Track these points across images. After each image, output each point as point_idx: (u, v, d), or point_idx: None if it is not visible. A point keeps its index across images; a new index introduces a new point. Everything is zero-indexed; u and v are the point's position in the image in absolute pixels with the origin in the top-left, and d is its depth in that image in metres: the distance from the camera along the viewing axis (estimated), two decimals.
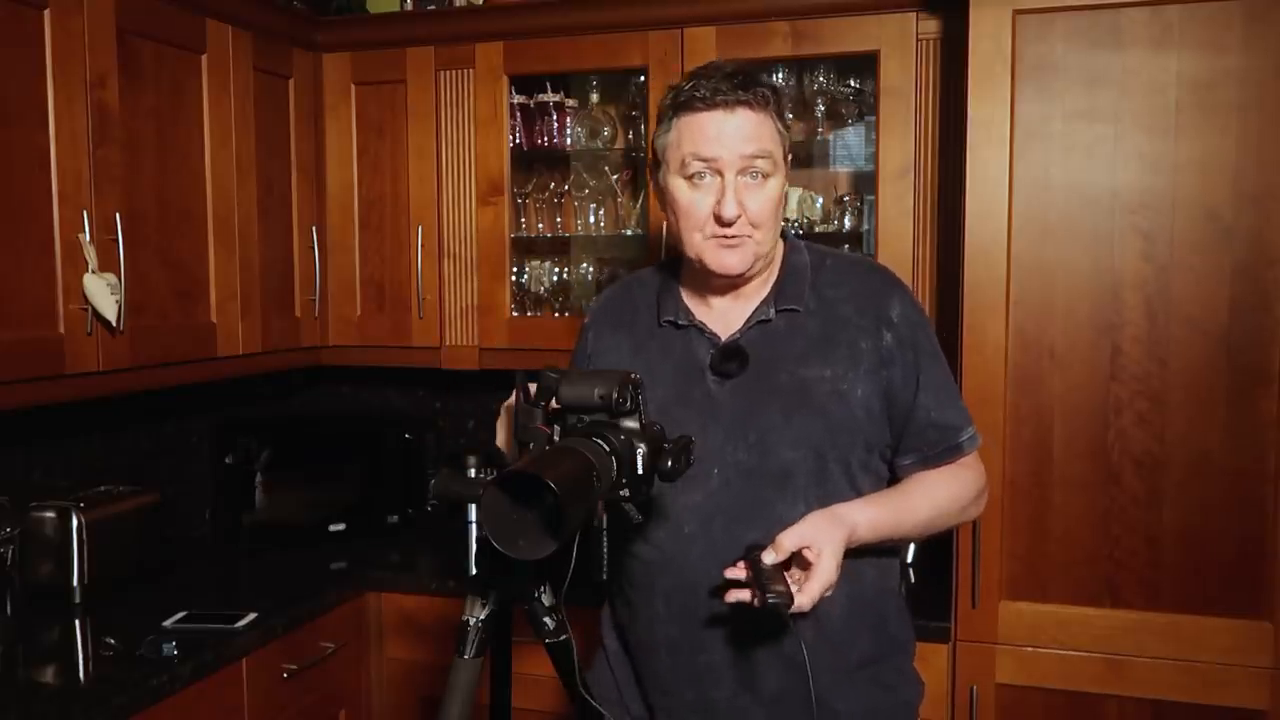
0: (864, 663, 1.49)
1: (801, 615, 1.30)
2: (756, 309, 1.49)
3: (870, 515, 1.40)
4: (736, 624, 1.43)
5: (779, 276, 1.51)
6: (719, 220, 1.40)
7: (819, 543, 1.30)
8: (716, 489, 1.44)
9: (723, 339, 1.49)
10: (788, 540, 1.30)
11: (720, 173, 1.40)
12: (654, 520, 1.46)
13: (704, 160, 1.40)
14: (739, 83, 1.39)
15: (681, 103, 1.41)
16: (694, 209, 1.42)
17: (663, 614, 1.48)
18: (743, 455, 1.44)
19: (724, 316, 1.51)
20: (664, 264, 1.65)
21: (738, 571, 1.32)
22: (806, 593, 1.27)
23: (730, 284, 1.49)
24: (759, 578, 1.28)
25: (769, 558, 1.30)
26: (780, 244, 1.54)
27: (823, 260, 1.54)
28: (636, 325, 1.57)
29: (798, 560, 1.32)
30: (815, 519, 1.34)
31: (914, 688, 1.58)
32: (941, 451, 1.50)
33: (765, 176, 1.41)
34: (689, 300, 1.54)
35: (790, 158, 1.48)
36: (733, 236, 1.41)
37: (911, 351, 1.48)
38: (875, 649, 1.51)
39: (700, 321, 1.51)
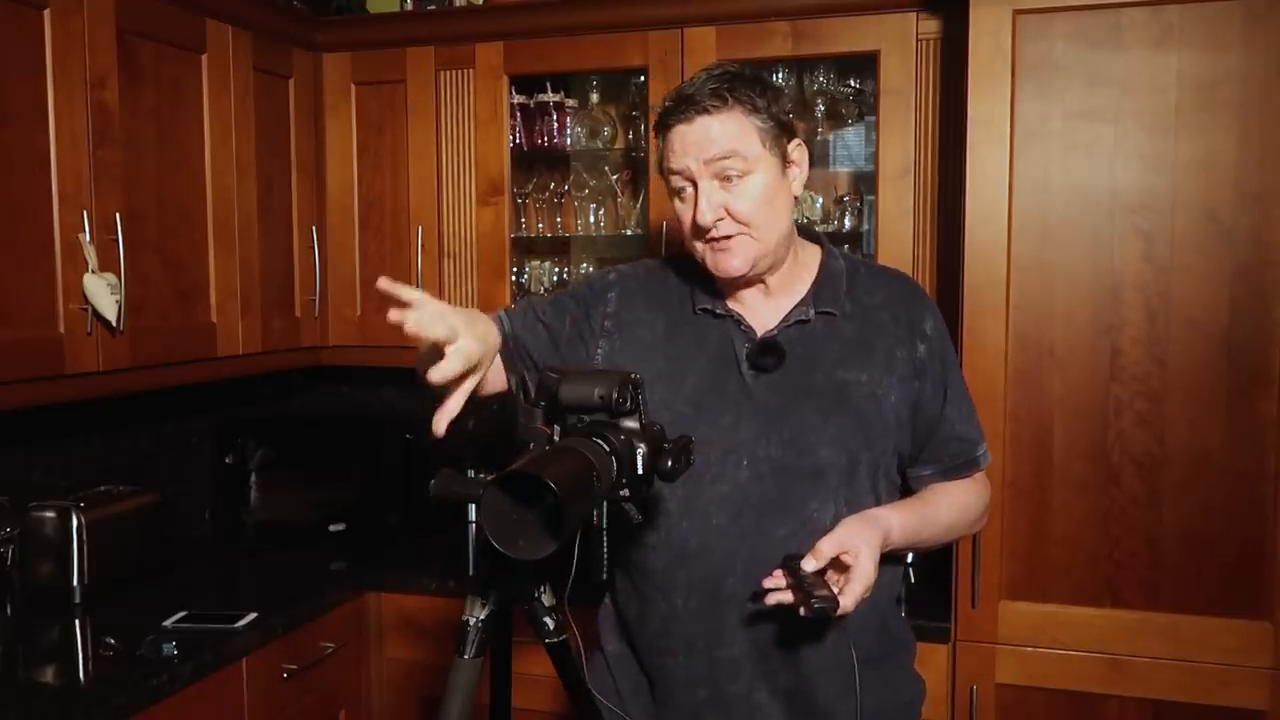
0: (868, 662, 1.48)
1: (842, 617, 1.31)
2: (794, 309, 1.50)
3: (900, 520, 1.42)
4: (757, 618, 1.43)
5: (817, 279, 1.52)
6: (698, 228, 1.43)
7: (856, 545, 1.32)
8: (746, 482, 1.44)
9: (759, 334, 1.50)
10: (827, 546, 1.32)
11: (694, 182, 1.42)
12: (679, 512, 1.46)
13: (677, 173, 1.44)
14: (699, 90, 1.41)
15: (658, 124, 1.46)
16: (683, 221, 1.46)
17: (681, 608, 1.47)
18: (775, 450, 1.44)
19: (758, 312, 1.52)
20: (684, 258, 1.60)
21: (777, 580, 1.33)
22: (849, 594, 1.29)
23: (746, 282, 1.49)
24: (800, 584, 1.29)
25: (809, 565, 1.31)
26: (817, 249, 1.56)
27: (858, 268, 1.56)
28: (670, 307, 1.57)
29: (834, 564, 1.33)
30: (850, 523, 1.36)
31: (916, 687, 1.60)
32: (960, 464, 1.53)
33: (741, 175, 1.41)
34: (723, 291, 1.55)
35: (792, 142, 1.46)
36: (721, 239, 1.43)
37: (940, 364, 1.51)
38: (879, 648, 1.52)
39: (738, 313, 1.52)
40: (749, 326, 1.50)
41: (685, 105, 1.41)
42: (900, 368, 1.48)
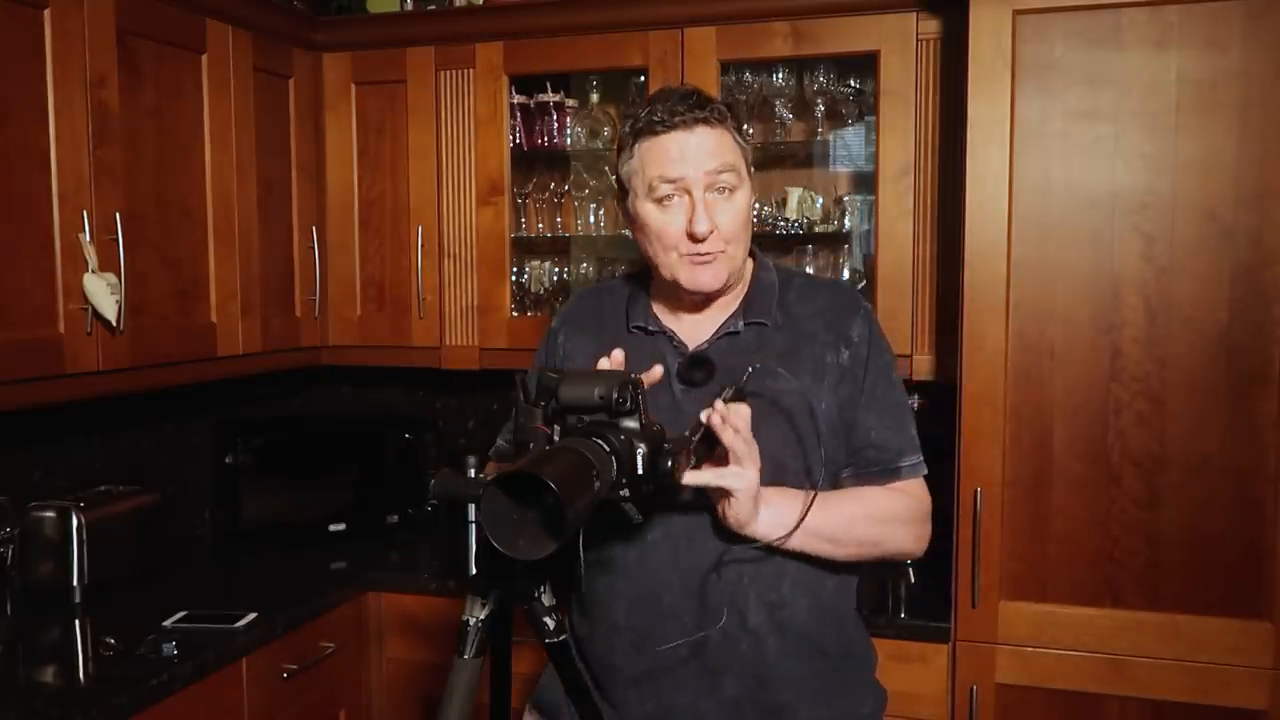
0: (827, 671, 1.50)
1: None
2: (725, 321, 1.51)
3: (790, 493, 1.42)
4: (698, 628, 1.44)
5: (748, 292, 1.54)
6: (692, 238, 1.42)
7: (743, 430, 1.33)
8: (677, 495, 1.44)
9: (690, 348, 1.51)
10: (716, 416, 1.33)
11: (688, 191, 1.42)
12: (616, 531, 1.46)
13: (670, 181, 1.42)
14: (694, 102, 1.42)
15: (641, 129, 1.44)
16: (666, 230, 1.44)
17: (623, 622, 1.49)
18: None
19: (693, 328, 1.53)
20: (634, 274, 1.66)
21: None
22: (748, 465, 1.32)
23: (706, 300, 1.51)
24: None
25: (704, 411, 1.34)
26: (749, 261, 1.57)
27: (790, 279, 1.58)
28: (604, 330, 1.59)
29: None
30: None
31: (876, 698, 1.60)
32: (876, 471, 1.51)
33: (732, 190, 1.44)
34: (658, 310, 1.56)
35: (753, 170, 1.51)
36: (706, 254, 1.43)
37: (864, 370, 1.50)
38: (838, 655, 1.52)
39: (669, 329, 1.53)
40: (680, 342, 1.52)
41: (685, 112, 1.41)
42: (829, 375, 1.48)
